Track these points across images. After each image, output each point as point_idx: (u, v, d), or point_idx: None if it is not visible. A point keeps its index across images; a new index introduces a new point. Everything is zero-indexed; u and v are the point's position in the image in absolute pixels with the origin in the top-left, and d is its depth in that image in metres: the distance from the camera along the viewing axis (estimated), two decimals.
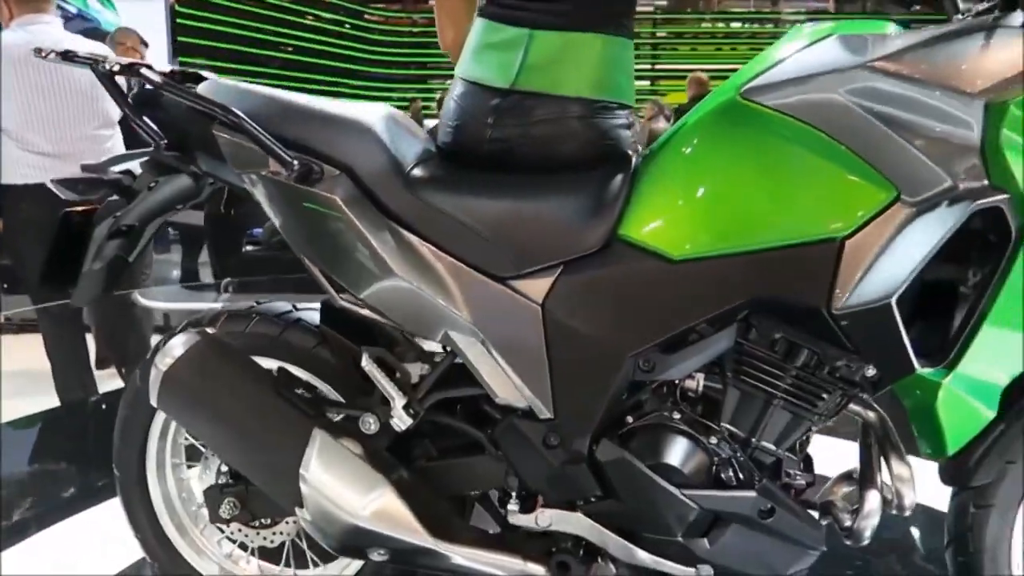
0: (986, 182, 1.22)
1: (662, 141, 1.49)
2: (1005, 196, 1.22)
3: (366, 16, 14.92)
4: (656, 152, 1.47)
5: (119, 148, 3.66)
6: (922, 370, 1.30)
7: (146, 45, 5.14)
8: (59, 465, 1.70)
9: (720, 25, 17.68)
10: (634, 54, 1.67)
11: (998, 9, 1.31)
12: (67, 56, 1.55)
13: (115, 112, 3.59)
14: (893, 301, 1.27)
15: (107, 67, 1.53)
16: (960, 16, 1.36)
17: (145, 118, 1.55)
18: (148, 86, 1.54)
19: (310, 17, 13.51)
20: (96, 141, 3.50)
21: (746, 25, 17.68)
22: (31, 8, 3.40)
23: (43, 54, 1.59)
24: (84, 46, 3.60)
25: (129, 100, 1.56)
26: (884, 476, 1.49)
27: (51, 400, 3.59)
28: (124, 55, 4.88)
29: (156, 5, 11.77)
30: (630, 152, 1.58)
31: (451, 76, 1.73)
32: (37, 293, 3.56)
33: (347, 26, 14.31)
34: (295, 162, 1.44)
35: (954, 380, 1.28)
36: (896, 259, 1.26)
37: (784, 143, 1.32)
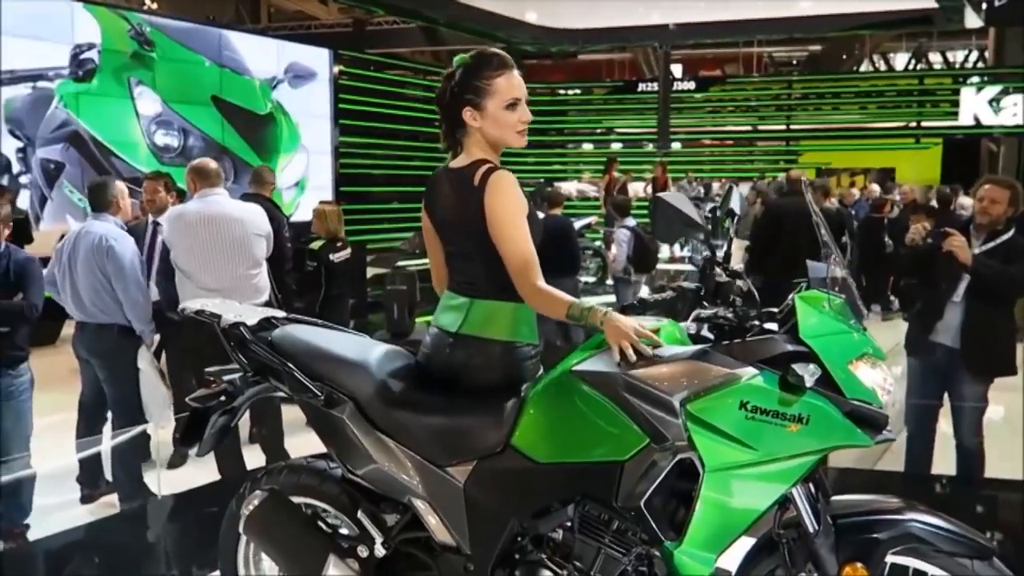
0: (686, 443, 2.05)
1: (537, 384, 2.36)
2: (694, 452, 2.05)
3: None
4: (533, 390, 2.35)
5: (264, 281, 4.83)
6: (667, 542, 2.12)
7: (175, 182, 6.08)
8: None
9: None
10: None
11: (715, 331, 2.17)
12: (199, 313, 2.61)
13: (262, 254, 4.77)
14: (641, 504, 2.11)
15: (221, 324, 2.56)
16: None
17: (239, 354, 2.57)
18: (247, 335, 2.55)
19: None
20: (247, 278, 4.69)
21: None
22: (207, 184, 4.67)
23: (182, 313, 2.68)
24: (241, 209, 4.81)
25: (232, 344, 2.58)
26: None
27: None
28: (154, 200, 5.56)
29: (322, 86, 13.97)
30: (527, 380, 2.46)
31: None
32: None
33: None
34: (322, 395, 2.42)
35: (681, 551, 2.09)
36: (647, 478, 2.11)
37: (591, 404, 2.18)
